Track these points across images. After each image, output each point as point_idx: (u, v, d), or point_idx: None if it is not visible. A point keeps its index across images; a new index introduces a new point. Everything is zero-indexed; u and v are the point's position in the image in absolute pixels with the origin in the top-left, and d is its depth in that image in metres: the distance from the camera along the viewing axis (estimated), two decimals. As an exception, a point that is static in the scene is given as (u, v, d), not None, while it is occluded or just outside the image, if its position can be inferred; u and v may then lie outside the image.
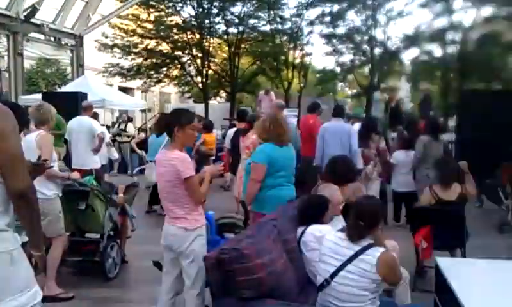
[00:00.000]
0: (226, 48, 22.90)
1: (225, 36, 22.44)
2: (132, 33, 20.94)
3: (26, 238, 2.15)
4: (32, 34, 14.85)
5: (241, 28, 22.24)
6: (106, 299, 4.55)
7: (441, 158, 5.81)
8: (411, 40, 22.36)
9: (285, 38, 23.64)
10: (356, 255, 2.88)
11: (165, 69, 22.47)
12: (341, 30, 23.69)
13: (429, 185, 5.13)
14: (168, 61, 22.10)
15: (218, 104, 26.03)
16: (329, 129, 6.94)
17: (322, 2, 22.50)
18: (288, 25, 23.05)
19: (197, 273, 3.21)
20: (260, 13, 22.40)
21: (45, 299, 2.13)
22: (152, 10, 21.08)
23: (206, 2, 21.25)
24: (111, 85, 20.36)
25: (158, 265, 3.68)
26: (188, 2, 21.23)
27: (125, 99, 15.40)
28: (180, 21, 21.75)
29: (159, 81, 22.86)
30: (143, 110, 18.58)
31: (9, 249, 1.90)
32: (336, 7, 22.75)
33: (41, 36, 15.46)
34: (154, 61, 21.73)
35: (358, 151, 6.59)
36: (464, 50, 19.93)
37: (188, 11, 21.66)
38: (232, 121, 14.02)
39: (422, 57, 23.05)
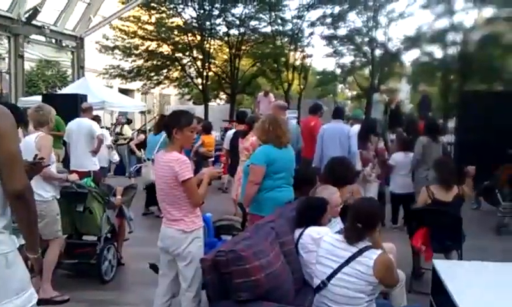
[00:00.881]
0: (227, 49, 22.88)
1: (226, 38, 22.43)
2: (133, 35, 20.93)
3: (23, 241, 2.13)
4: (33, 36, 14.88)
5: (242, 30, 22.22)
6: (102, 302, 4.51)
7: (441, 159, 5.80)
8: (412, 41, 22.34)
9: (286, 39, 23.56)
10: (353, 257, 2.87)
11: (165, 71, 22.46)
12: (342, 31, 23.70)
13: (426, 186, 5.12)
14: (168, 62, 22.09)
15: (218, 106, 26.04)
16: (328, 130, 6.96)
17: (323, 3, 22.48)
18: (289, 26, 23.00)
19: (194, 275, 3.19)
20: (261, 15, 22.35)
21: (40, 302, 2.13)
22: (153, 12, 21.04)
23: (207, 4, 21.24)
24: (111, 87, 20.38)
25: (154, 267, 3.68)
26: (189, 4, 21.23)
27: (125, 101, 15.43)
28: (181, 23, 21.73)
29: (159, 83, 22.85)
30: (142, 112, 18.61)
31: (5, 251, 1.90)
32: (337, 9, 22.72)
33: (42, 38, 15.48)
34: (155, 62, 21.73)
35: (357, 153, 6.59)
36: (465, 51, 19.91)
37: (189, 13, 21.70)
38: (229, 123, 14.06)
39: (423, 59, 23.03)
